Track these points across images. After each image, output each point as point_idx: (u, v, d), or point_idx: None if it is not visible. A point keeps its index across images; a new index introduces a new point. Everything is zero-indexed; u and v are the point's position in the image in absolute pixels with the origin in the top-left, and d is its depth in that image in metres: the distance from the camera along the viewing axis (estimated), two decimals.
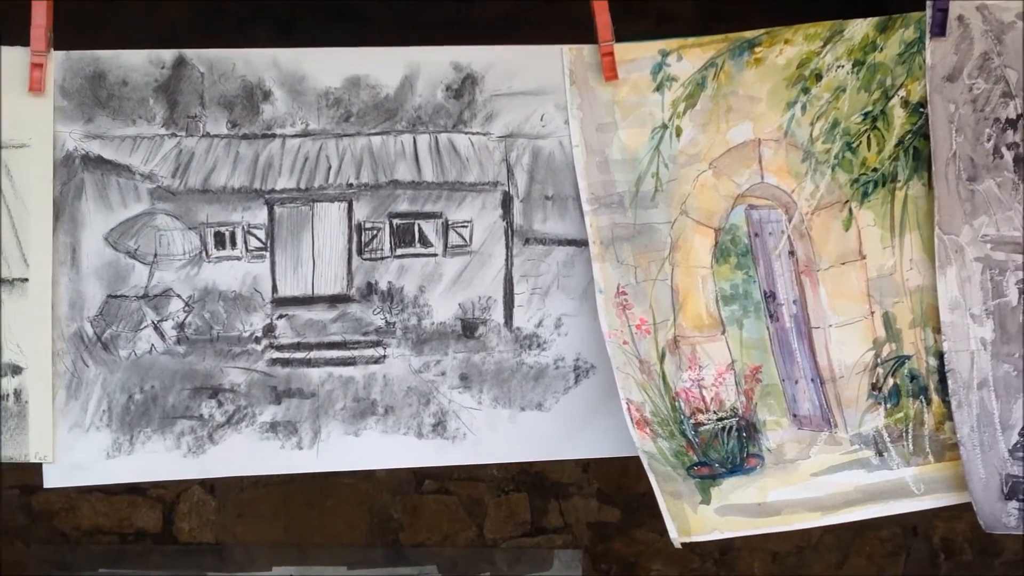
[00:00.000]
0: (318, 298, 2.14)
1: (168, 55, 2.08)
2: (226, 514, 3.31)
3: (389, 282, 2.14)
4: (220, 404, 2.11)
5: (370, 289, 2.14)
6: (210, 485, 3.31)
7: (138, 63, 2.07)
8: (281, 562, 3.13)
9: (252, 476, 3.16)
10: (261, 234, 2.11)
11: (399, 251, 2.15)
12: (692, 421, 2.11)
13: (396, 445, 2.15)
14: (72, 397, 2.07)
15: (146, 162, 2.08)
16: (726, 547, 3.43)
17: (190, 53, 2.09)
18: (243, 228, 2.11)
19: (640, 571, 3.43)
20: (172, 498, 3.32)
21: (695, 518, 2.02)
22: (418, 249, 2.15)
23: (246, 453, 2.12)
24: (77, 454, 2.07)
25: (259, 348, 2.12)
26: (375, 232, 2.14)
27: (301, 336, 2.13)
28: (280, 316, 2.12)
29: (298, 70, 2.10)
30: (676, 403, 2.11)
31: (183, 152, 2.09)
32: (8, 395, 2.05)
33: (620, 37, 2.08)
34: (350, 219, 2.13)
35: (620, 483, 3.40)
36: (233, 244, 2.11)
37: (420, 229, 2.15)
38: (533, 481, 3.39)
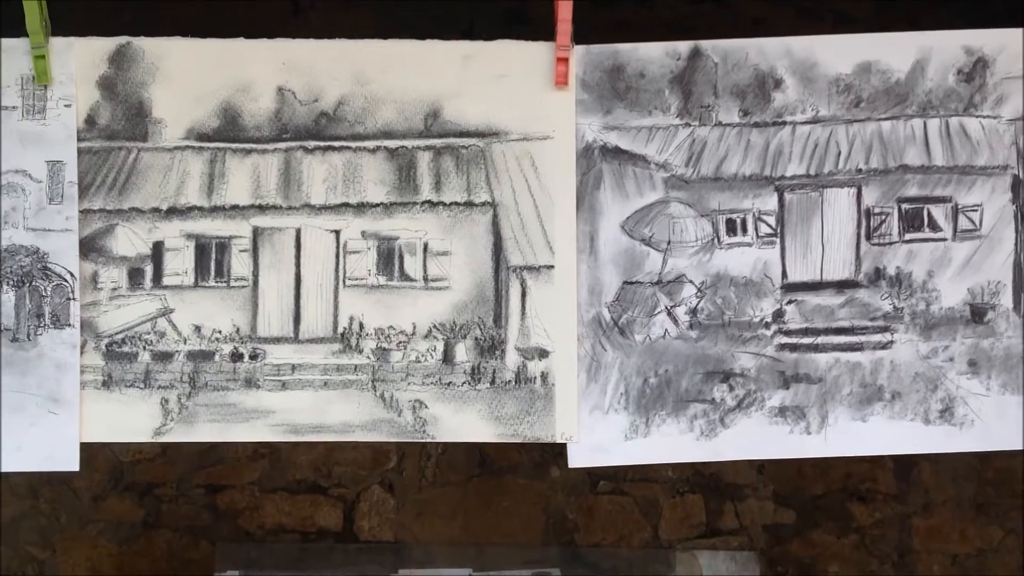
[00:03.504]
0: (826, 283, 2.14)
1: (683, 47, 2.14)
2: (405, 513, 3.31)
3: (897, 267, 2.14)
4: (731, 388, 2.14)
5: (878, 274, 2.14)
6: (389, 484, 3.32)
7: (655, 55, 2.14)
8: (459, 562, 3.12)
9: (430, 476, 3.25)
10: (771, 220, 2.14)
11: (908, 236, 2.14)
12: None
13: (903, 431, 2.14)
14: (592, 380, 2.14)
15: (661, 151, 2.14)
16: (904, 549, 3.29)
17: (705, 44, 2.14)
18: (754, 215, 2.14)
19: (817, 573, 3.32)
20: (352, 497, 3.32)
21: None
22: (927, 234, 2.14)
23: (756, 437, 2.14)
24: (598, 435, 2.13)
25: (768, 333, 2.14)
26: (884, 217, 2.14)
27: (809, 321, 2.14)
28: (789, 301, 2.14)
29: (810, 57, 2.12)
30: None
31: (696, 141, 2.14)
32: (535, 377, 2.13)
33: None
34: (859, 204, 2.14)
35: (796, 485, 3.28)
36: (744, 230, 2.14)
37: (929, 213, 2.14)
38: (708, 483, 3.31)
